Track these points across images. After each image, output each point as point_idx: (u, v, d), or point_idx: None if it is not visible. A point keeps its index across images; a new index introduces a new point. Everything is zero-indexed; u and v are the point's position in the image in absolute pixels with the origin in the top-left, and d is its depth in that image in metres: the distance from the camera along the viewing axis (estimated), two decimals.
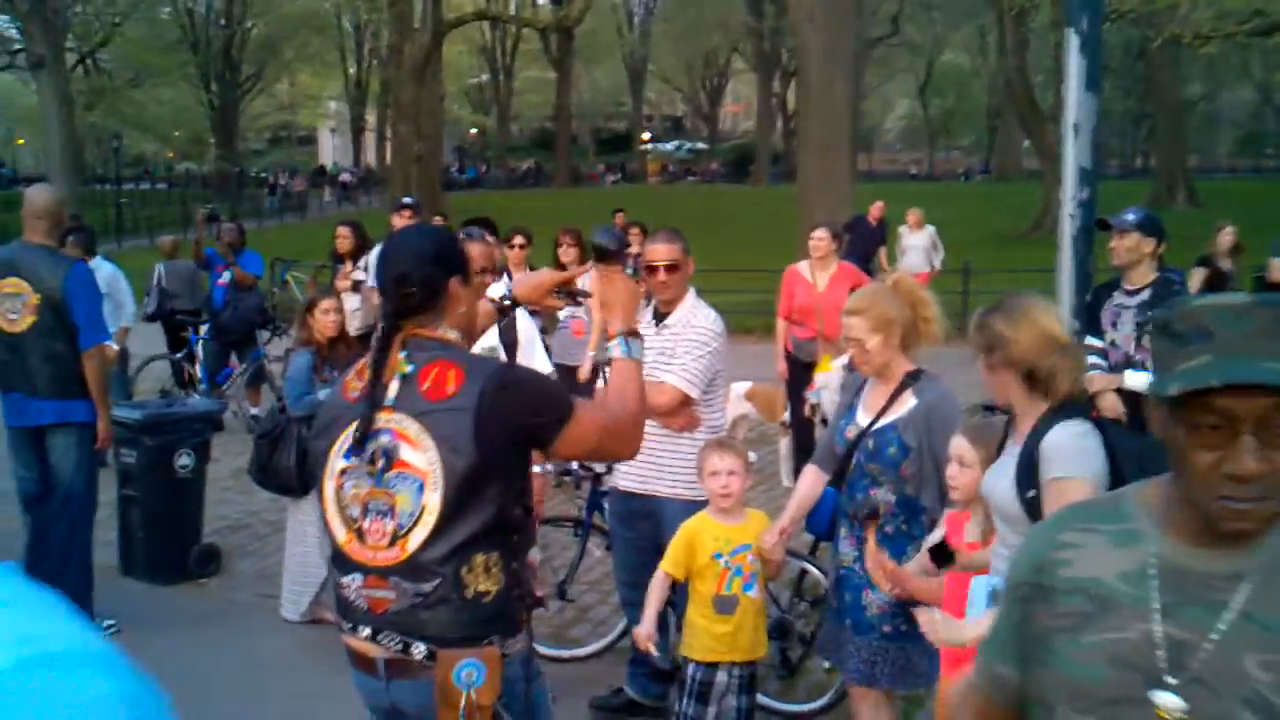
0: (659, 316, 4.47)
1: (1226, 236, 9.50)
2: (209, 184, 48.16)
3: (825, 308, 7.22)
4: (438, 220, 8.29)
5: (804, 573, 4.89)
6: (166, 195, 46.62)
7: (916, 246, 14.98)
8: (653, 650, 4.01)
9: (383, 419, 2.48)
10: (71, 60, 32.09)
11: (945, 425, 3.57)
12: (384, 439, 2.47)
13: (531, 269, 7.21)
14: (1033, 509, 2.84)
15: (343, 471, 2.54)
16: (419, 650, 2.43)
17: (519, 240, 7.85)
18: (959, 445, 3.33)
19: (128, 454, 6.46)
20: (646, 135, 58.54)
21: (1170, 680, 1.44)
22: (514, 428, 2.46)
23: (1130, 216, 5.21)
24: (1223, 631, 1.43)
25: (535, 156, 57.75)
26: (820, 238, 7.65)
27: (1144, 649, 1.46)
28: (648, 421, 3.07)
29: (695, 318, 4.42)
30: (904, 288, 3.88)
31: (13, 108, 58.61)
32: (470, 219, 6.03)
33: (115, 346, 8.22)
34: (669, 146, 58.73)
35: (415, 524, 2.41)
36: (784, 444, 8.08)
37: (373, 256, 8.13)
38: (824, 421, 6.64)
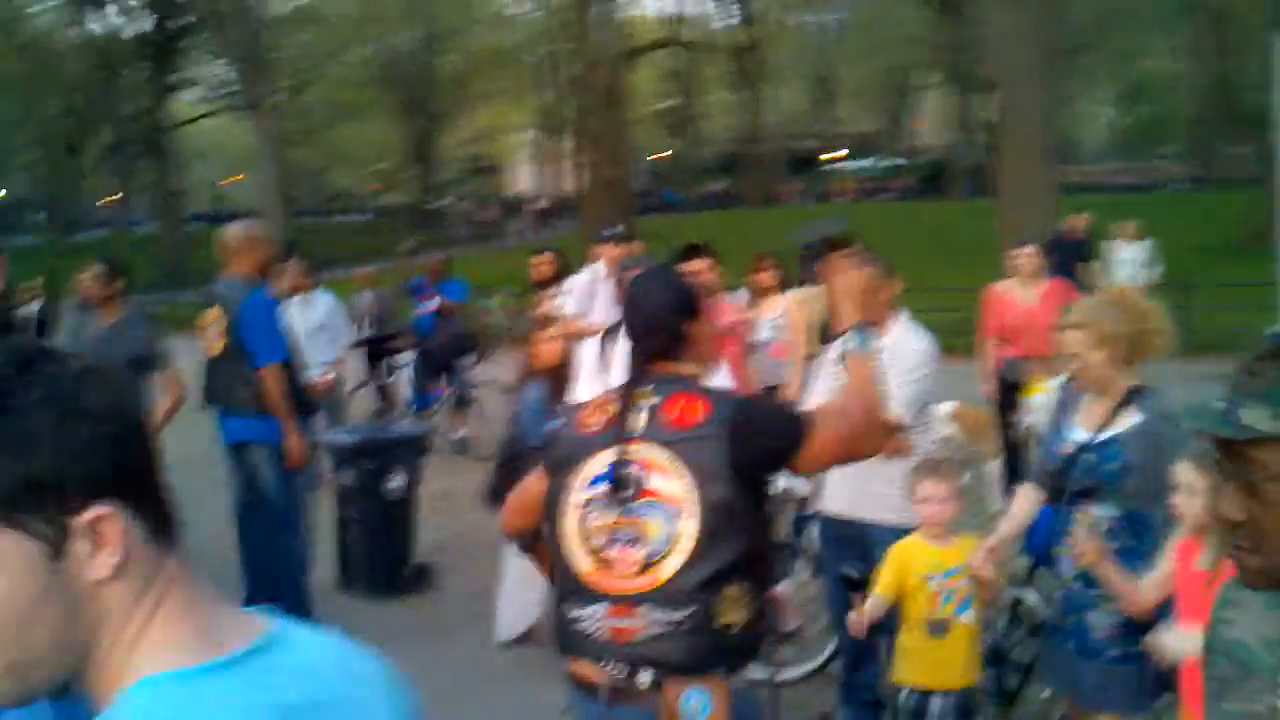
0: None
1: None
2: (407, 215, 49.88)
3: (1036, 326, 7.01)
4: (637, 247, 8.31)
5: (1019, 599, 4.73)
6: (368, 226, 48.53)
7: (1129, 260, 14.37)
8: (863, 628, 3.94)
9: (629, 449, 2.52)
10: (281, 100, 33.75)
11: (1171, 445, 3.41)
12: (632, 468, 2.50)
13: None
14: None
15: (587, 502, 2.56)
16: (645, 677, 2.44)
17: (767, 267, 7.78)
18: (1186, 472, 3.17)
19: (343, 475, 6.76)
20: (835, 153, 57.98)
21: None
22: (761, 453, 2.50)
23: None
24: None
25: (724, 178, 57.85)
26: (1029, 254, 7.46)
27: None
28: None
29: (907, 341, 4.35)
30: (1129, 300, 3.75)
31: (231, 148, 62.07)
32: (690, 245, 6.09)
33: (331, 374, 8.59)
34: (859, 164, 57.95)
35: (669, 552, 2.43)
36: (993, 466, 7.85)
37: (573, 282, 8.23)
38: (1038, 444, 6.43)
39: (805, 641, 5.50)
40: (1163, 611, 3.29)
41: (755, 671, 4.86)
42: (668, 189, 55.38)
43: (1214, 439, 1.30)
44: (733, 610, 2.43)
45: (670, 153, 59.80)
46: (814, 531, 5.12)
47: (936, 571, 3.86)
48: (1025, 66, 14.87)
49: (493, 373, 10.98)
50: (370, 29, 43.15)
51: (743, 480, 2.44)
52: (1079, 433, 3.70)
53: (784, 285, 7.43)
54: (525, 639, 5.72)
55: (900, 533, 4.08)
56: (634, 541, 2.46)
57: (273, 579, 5.77)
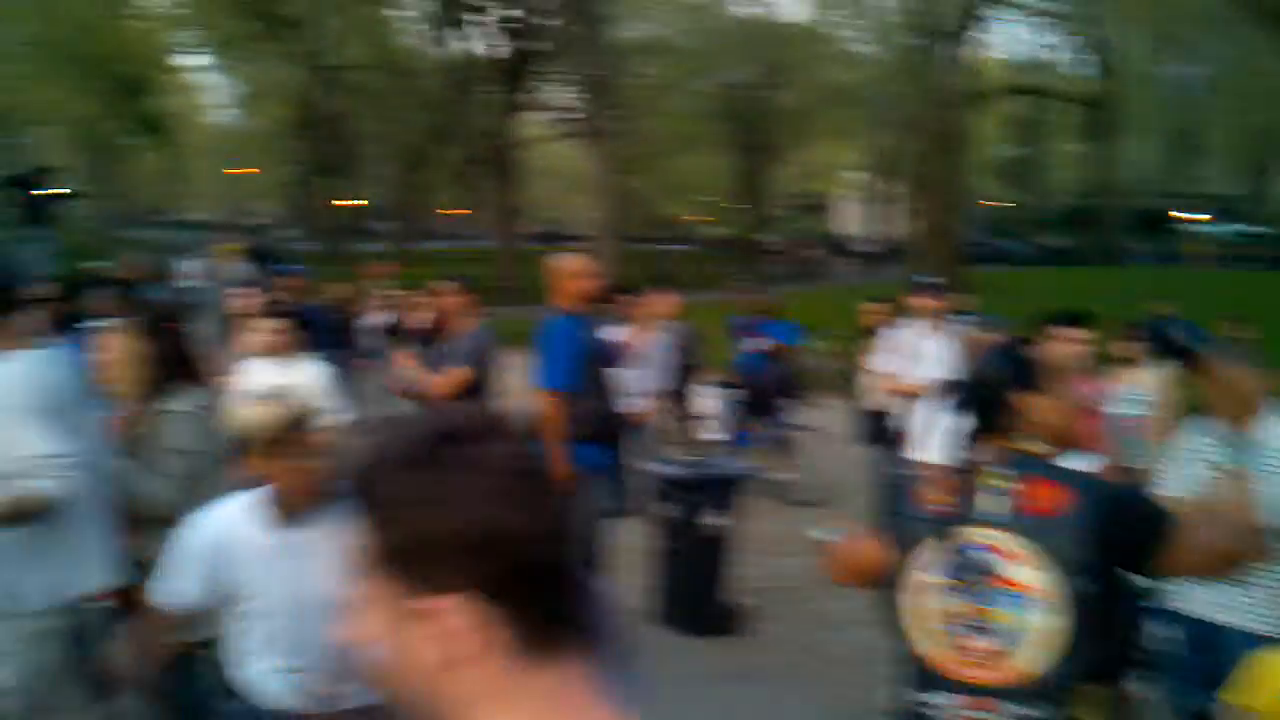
0: None
1: None
2: (731, 248, 50.27)
3: None
4: (966, 299, 7.86)
5: None
6: (692, 256, 49.20)
7: None
8: None
9: (975, 533, 2.38)
10: (622, 128, 34.67)
11: None
12: (978, 553, 2.37)
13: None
14: None
15: (932, 585, 2.44)
16: None
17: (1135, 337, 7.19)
18: None
19: (665, 508, 6.71)
20: (1192, 214, 54.20)
21: None
22: (1127, 549, 2.37)
23: None
24: None
25: (1064, 232, 55.23)
26: None
27: None
28: None
29: (1271, 437, 3.74)
30: None
31: (567, 171, 64.55)
32: (1068, 311, 5.60)
33: (652, 405, 8.48)
34: (1216, 229, 53.91)
35: (1025, 644, 2.31)
36: None
37: (894, 335, 7.91)
38: None
39: None
40: None
41: None
42: (1003, 240, 53.31)
43: None
44: (1092, 711, 2.35)
45: (1007, 202, 57.70)
46: (1155, 627, 4.54)
47: None
48: None
49: (813, 417, 10.82)
50: (715, 62, 43.82)
51: (1104, 574, 2.32)
52: None
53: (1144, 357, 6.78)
54: None
55: (1265, 642, 3.54)
56: (983, 630, 2.36)
57: None
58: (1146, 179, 54.13)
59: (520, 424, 1.12)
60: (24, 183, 21.69)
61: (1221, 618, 3.90)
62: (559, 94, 38.22)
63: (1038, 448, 2.49)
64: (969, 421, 2.52)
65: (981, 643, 2.35)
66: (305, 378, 6.73)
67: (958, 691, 2.39)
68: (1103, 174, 48.77)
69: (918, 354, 7.56)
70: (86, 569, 3.94)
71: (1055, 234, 55.82)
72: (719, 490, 6.71)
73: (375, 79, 38.61)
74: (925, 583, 2.45)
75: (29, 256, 18.07)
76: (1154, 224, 52.91)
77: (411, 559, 1.03)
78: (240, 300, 7.86)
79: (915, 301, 7.89)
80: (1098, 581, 2.29)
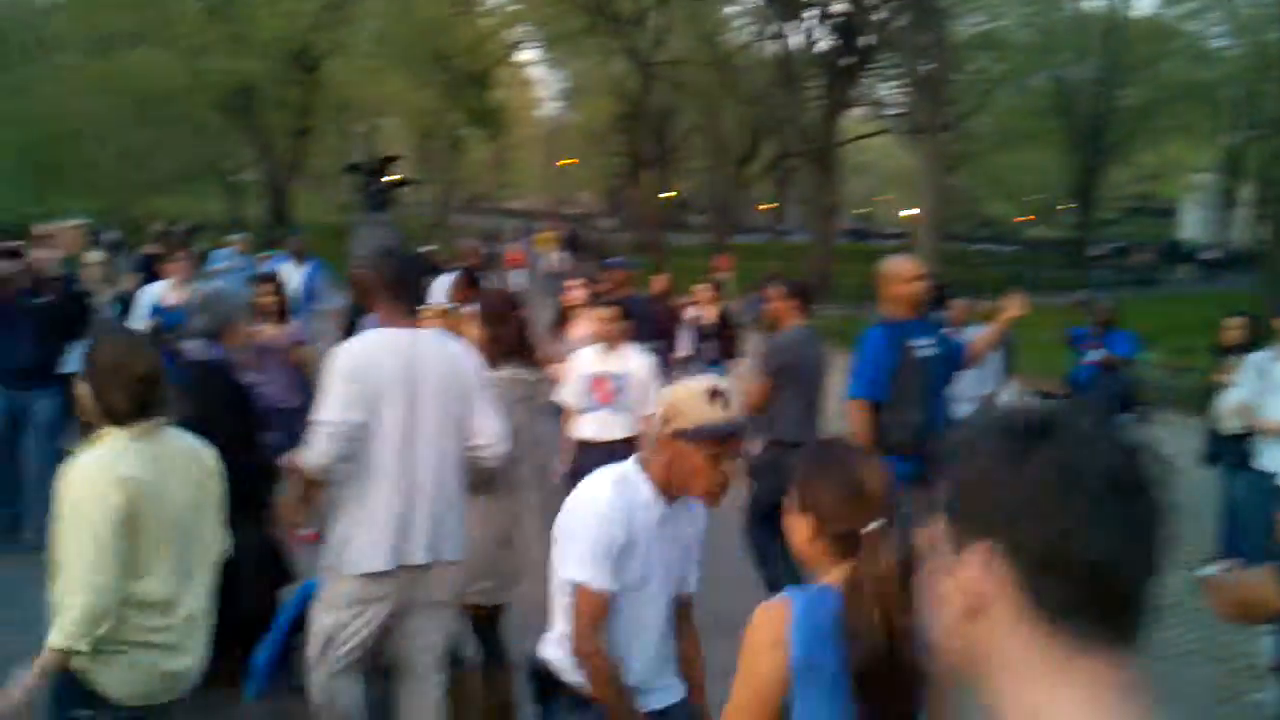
0: None
1: None
2: (1056, 250, 48.03)
3: None
4: None
5: None
6: (1014, 258, 47.29)
7: None
8: None
9: None
10: (950, 124, 33.63)
11: None
12: None
13: None
14: None
15: None
16: None
17: None
18: None
19: None
20: None
21: None
22: None
23: None
24: None
25: None
26: None
27: None
28: None
29: None
30: None
31: (884, 166, 63.48)
32: None
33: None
34: None
35: None
36: None
37: (1249, 359, 7.16)
38: None
39: None
40: None
41: None
42: None
43: None
44: None
45: None
46: None
47: None
48: None
49: (1151, 436, 9.86)
50: (1052, 57, 41.89)
51: None
52: None
53: None
54: None
55: None
56: None
57: None
58: None
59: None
60: (368, 170, 23.10)
61: None
62: (885, 89, 37.51)
63: None
64: None
65: None
66: (633, 367, 6.76)
67: None
68: None
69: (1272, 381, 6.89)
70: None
71: None
72: None
73: (699, 74, 39.05)
74: None
75: (371, 240, 19.20)
76: None
77: (964, 509, 1.13)
78: (571, 291, 7.99)
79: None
80: None
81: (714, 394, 2.96)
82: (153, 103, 34.22)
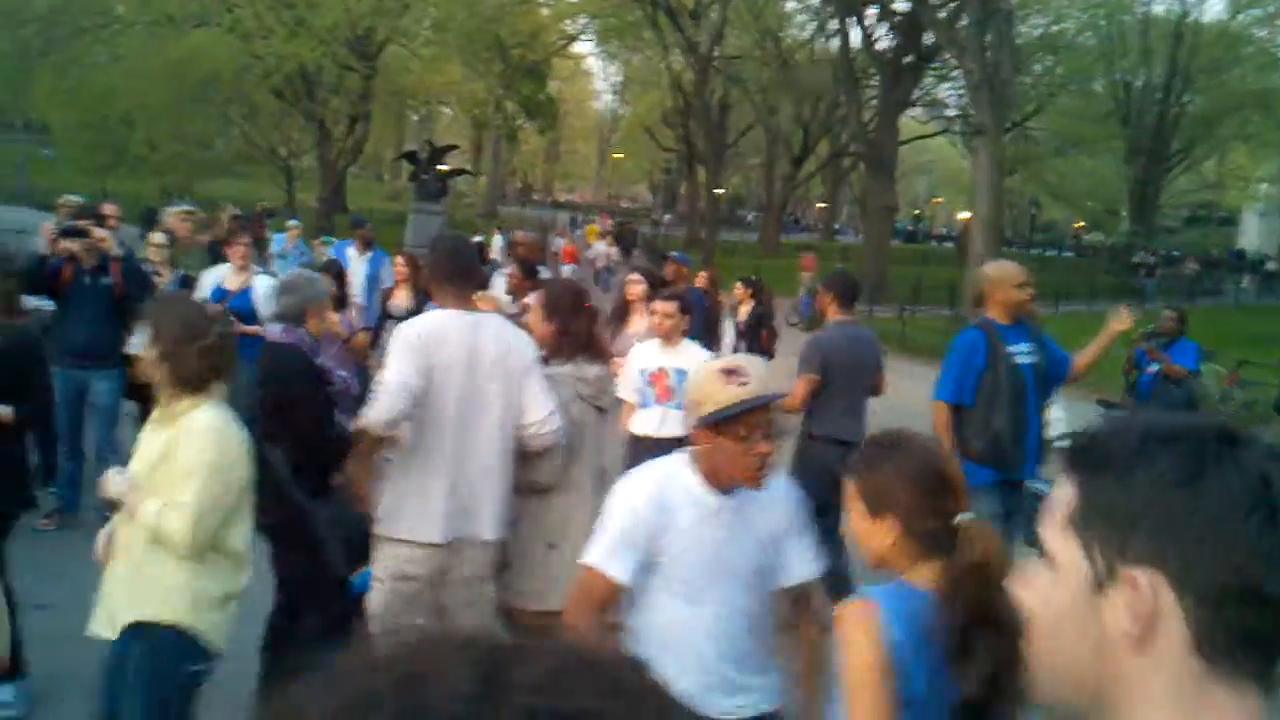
0: None
1: None
2: (1115, 257, 47.39)
3: None
4: None
5: None
6: (1068, 264, 46.71)
7: None
8: None
9: None
10: (1010, 127, 33.23)
11: None
12: None
13: None
14: None
15: None
16: None
17: None
18: None
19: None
20: None
21: None
22: None
23: None
24: None
25: None
26: None
27: None
28: None
29: None
30: None
31: (939, 169, 62.91)
32: None
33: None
34: None
35: None
36: None
37: None
38: None
39: None
40: None
41: None
42: None
43: None
44: None
45: None
46: None
47: None
48: None
49: None
50: (1116, 62, 41.29)
51: None
52: None
53: None
54: None
55: None
56: None
57: None
58: None
59: None
60: (424, 159, 23.12)
61: None
62: (945, 90, 37.15)
63: None
64: None
65: None
66: (692, 362, 6.68)
67: None
68: None
69: None
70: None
71: None
72: None
73: (757, 70, 38.86)
74: None
75: (424, 228, 19.22)
76: None
77: (1121, 524, 1.04)
78: (631, 285, 7.91)
79: None
80: None
81: (729, 373, 2.89)
82: (212, 86, 34.57)
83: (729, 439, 2.88)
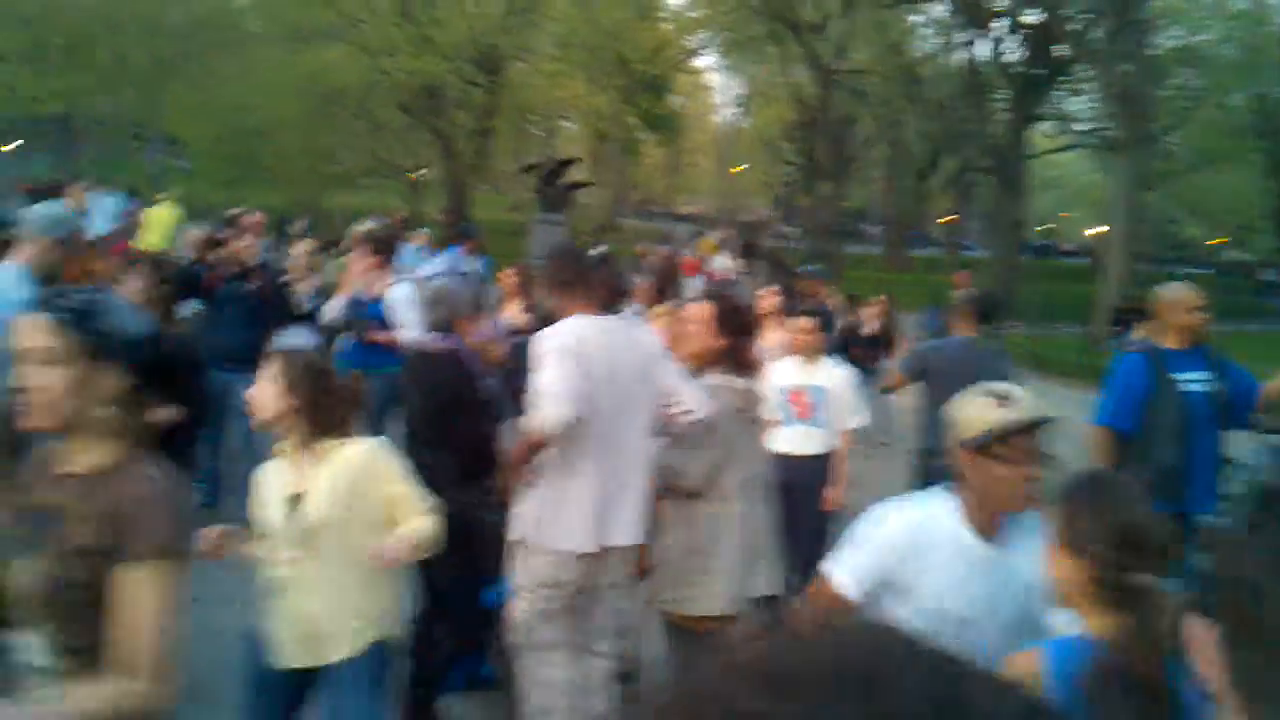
0: None
1: None
2: (1252, 275, 45.78)
3: None
4: None
5: None
6: (1207, 281, 45.15)
7: None
8: None
9: None
10: (1148, 142, 32.29)
11: None
12: None
13: None
14: None
15: None
16: None
17: None
18: None
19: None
20: None
21: None
22: None
23: None
24: None
25: None
26: None
27: None
28: None
29: None
30: None
31: (1071, 183, 61.43)
32: None
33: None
34: None
35: None
36: None
37: None
38: None
39: None
40: None
41: None
42: None
43: None
44: None
45: None
46: None
47: None
48: None
49: None
50: (1255, 75, 39.87)
51: None
52: None
53: None
54: None
55: None
56: None
57: None
58: None
59: None
60: (546, 171, 23.33)
61: None
62: (1076, 103, 36.22)
63: None
64: None
65: None
66: (831, 380, 6.57)
67: None
68: None
69: None
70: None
71: None
72: None
73: (881, 83, 38.40)
74: None
75: (547, 240, 19.38)
76: None
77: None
78: (764, 298, 7.82)
79: None
80: None
81: (995, 396, 2.83)
82: (340, 101, 35.34)
83: (995, 464, 2.81)
